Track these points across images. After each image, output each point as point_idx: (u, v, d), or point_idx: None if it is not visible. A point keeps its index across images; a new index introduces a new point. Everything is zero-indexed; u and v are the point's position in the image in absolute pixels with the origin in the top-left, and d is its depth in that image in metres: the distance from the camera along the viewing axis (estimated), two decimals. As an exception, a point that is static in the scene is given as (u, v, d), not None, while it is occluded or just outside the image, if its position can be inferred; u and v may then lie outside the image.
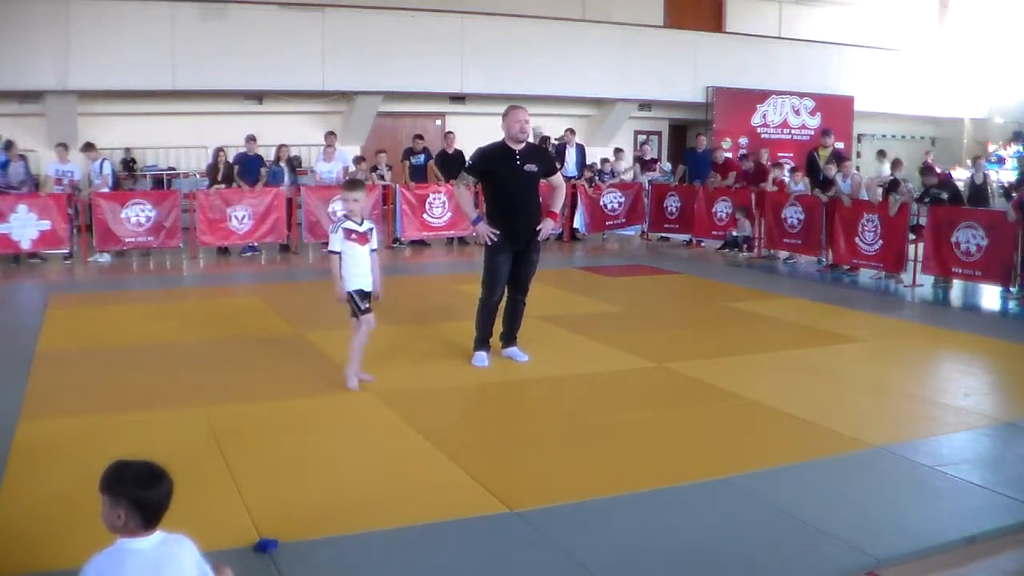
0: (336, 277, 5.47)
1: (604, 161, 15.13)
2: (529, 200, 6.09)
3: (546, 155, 6.18)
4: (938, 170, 12.32)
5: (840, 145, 14.17)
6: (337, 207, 12.27)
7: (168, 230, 11.65)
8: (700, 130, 17.73)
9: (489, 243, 5.96)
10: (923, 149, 19.74)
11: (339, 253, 5.46)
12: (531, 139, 6.29)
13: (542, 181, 6.20)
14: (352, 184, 5.97)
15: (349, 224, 5.48)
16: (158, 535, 2.40)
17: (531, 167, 6.00)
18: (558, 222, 5.91)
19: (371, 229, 5.56)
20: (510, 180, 5.97)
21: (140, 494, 2.34)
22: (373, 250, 5.57)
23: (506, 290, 6.22)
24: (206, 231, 11.78)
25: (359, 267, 5.49)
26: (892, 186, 10.63)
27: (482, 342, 6.24)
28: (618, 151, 15.45)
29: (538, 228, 6.06)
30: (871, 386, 5.85)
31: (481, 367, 6.12)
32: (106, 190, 11.72)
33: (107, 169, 11.98)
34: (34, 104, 13.74)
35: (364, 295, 5.53)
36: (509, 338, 6.37)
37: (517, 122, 5.92)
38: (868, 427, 4.89)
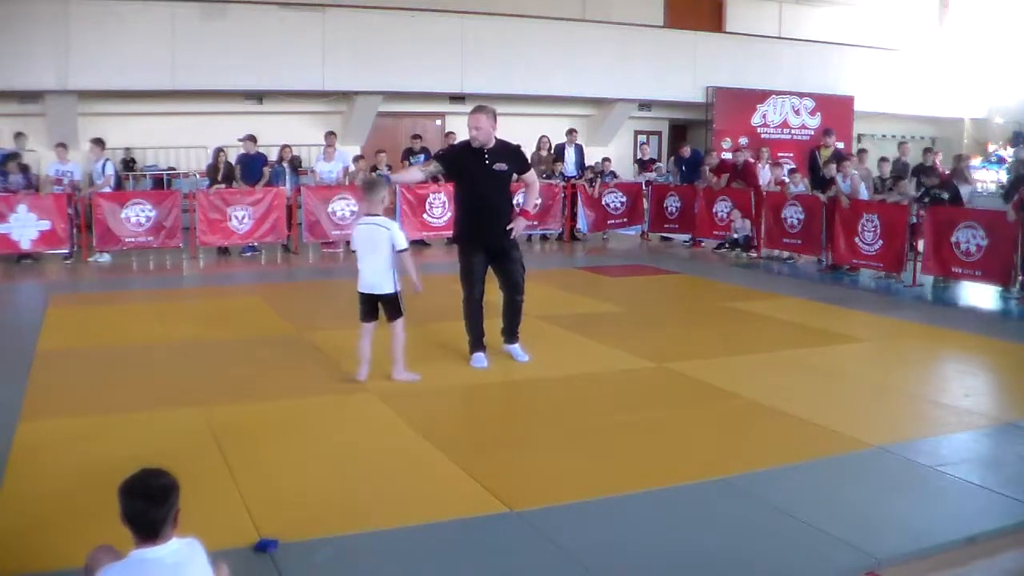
0: (414, 271, 5.54)
1: (605, 160, 15.14)
2: (498, 199, 6.04)
3: (517, 153, 6.06)
4: (938, 164, 12.33)
5: (840, 145, 14.18)
6: (336, 207, 12.29)
7: (168, 230, 11.64)
8: (700, 130, 17.77)
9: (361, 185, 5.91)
10: (925, 149, 19.72)
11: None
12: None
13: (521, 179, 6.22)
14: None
15: None
16: (174, 542, 2.38)
17: (500, 166, 5.95)
18: (530, 220, 5.88)
19: None
20: (479, 178, 5.93)
21: (121, 502, 2.36)
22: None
23: (501, 292, 6.23)
24: (206, 231, 11.78)
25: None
26: (898, 174, 10.62)
27: (476, 343, 6.21)
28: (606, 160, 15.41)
29: (509, 228, 6.02)
30: (871, 386, 5.85)
31: (480, 368, 6.12)
32: (108, 190, 11.73)
33: (110, 169, 12.00)
34: (34, 104, 13.72)
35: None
36: (510, 334, 6.34)
37: (470, 128, 5.90)
38: (868, 427, 4.89)
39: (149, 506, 2.33)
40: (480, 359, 6.16)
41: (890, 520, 3.72)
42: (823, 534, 3.54)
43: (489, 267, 6.15)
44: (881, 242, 10.37)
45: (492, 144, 5.95)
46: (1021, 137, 18.64)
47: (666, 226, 13.98)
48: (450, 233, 13.13)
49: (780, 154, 16.85)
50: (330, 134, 13.34)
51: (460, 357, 6.32)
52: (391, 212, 12.82)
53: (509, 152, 6.10)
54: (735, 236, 12.58)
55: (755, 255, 12.34)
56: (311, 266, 11.59)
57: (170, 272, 11.05)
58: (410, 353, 6.52)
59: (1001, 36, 20.60)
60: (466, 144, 6.04)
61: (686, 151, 14.63)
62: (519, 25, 16.20)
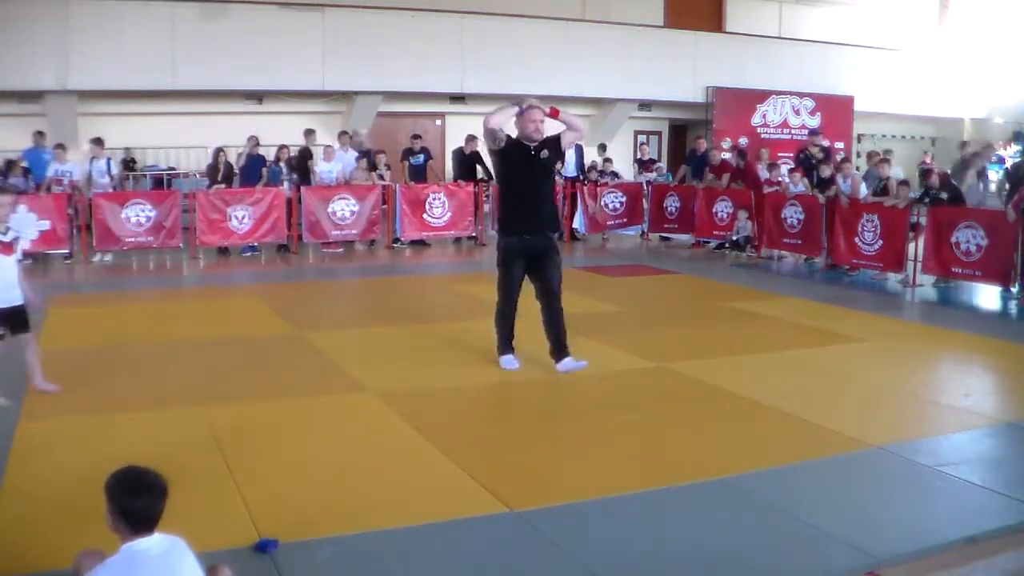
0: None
1: (606, 160, 15.13)
2: (544, 191, 6.01)
3: (552, 138, 5.99)
4: (934, 168, 12.33)
5: (840, 145, 14.16)
6: (336, 207, 12.31)
7: (168, 230, 11.64)
8: (700, 130, 17.74)
9: None
10: (923, 149, 19.75)
11: None
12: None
13: (564, 141, 6.03)
14: None
15: None
16: (158, 536, 2.45)
17: (544, 154, 5.89)
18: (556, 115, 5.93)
19: (17, 238, 5.19)
20: (525, 171, 5.84)
21: (124, 501, 2.42)
22: (19, 260, 5.24)
23: (538, 302, 6.04)
24: (206, 231, 11.78)
25: (2, 281, 5.08)
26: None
27: (506, 345, 6.06)
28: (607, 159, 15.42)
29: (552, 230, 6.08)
30: (871, 386, 5.84)
31: (512, 369, 5.99)
32: (109, 190, 11.75)
33: (114, 168, 12.03)
34: (34, 104, 13.73)
35: (5, 317, 5.11)
36: (562, 348, 6.01)
37: (532, 122, 5.76)
38: (868, 427, 4.89)
39: (157, 500, 2.44)
40: (511, 361, 6.03)
41: (890, 520, 3.71)
42: (823, 534, 3.54)
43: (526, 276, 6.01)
44: (881, 242, 10.37)
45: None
46: (1021, 137, 18.65)
47: (666, 226, 13.98)
48: (451, 234, 13.21)
49: (780, 154, 16.86)
50: (343, 134, 13.42)
51: (461, 357, 6.32)
52: (390, 212, 12.84)
53: (548, 141, 6.00)
54: (735, 236, 12.57)
55: (755, 255, 12.34)
56: (311, 266, 11.59)
57: (170, 272, 11.05)
58: (410, 352, 6.54)
59: (1001, 36, 20.61)
60: (513, 140, 5.89)
61: (702, 145, 14.51)
62: (519, 25, 16.21)
